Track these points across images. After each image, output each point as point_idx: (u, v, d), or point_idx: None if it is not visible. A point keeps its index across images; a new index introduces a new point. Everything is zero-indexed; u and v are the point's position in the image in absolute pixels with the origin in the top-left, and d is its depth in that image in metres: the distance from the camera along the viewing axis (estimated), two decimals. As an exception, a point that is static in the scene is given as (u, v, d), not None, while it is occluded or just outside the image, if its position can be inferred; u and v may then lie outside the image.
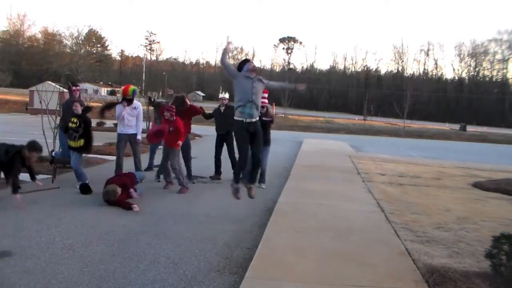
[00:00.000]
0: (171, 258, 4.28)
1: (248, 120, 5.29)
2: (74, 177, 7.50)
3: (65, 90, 11.90)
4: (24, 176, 7.56)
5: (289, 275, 3.78)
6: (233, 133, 6.33)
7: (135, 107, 8.00)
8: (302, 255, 4.27)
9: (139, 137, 8.14)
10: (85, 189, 6.87)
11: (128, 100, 7.93)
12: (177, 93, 9.83)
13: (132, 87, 8.16)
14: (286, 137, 22.87)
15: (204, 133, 18.61)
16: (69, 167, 8.17)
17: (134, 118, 8.00)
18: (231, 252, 4.56)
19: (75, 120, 7.17)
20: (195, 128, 19.79)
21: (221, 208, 6.46)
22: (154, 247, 4.56)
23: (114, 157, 10.58)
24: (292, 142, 19.70)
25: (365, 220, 5.81)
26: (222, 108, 8.84)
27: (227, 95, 8.96)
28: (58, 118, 9.24)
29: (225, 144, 8.87)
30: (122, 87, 8.30)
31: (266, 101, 8.60)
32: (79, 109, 7.25)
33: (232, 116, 8.41)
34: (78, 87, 8.39)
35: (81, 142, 7.18)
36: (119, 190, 6.14)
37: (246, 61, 5.51)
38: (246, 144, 5.39)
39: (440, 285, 3.61)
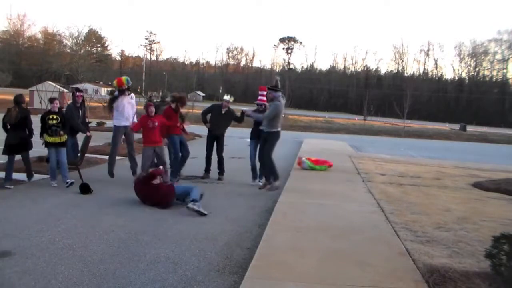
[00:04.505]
0: (171, 258, 4.28)
1: None
2: (75, 177, 7.51)
3: (65, 90, 11.92)
4: (23, 176, 7.60)
5: (289, 275, 3.77)
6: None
7: (131, 97, 8.25)
8: (302, 255, 4.27)
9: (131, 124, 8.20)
10: (85, 189, 6.87)
11: (124, 91, 8.09)
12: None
13: (124, 77, 8.37)
14: (286, 137, 22.77)
15: (204, 133, 18.61)
16: (70, 167, 8.19)
17: (131, 109, 8.19)
18: (231, 252, 4.56)
19: (55, 117, 7.30)
20: (194, 128, 19.81)
21: (221, 208, 6.46)
22: (154, 247, 4.56)
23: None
24: (292, 142, 19.68)
25: (365, 220, 5.80)
26: (224, 110, 8.82)
27: (232, 99, 9.02)
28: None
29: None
30: (115, 81, 8.35)
31: (265, 98, 8.61)
32: (56, 107, 7.40)
33: (230, 119, 8.76)
34: (81, 93, 8.41)
35: (65, 136, 7.37)
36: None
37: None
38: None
39: (440, 285, 3.61)
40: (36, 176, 7.67)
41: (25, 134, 7.25)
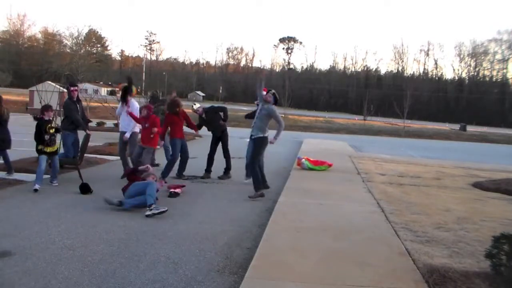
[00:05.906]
0: (171, 258, 4.28)
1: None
2: (75, 177, 7.52)
3: (65, 90, 11.88)
4: (26, 176, 7.59)
5: (289, 275, 3.78)
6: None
7: (128, 106, 8.19)
8: (302, 255, 4.27)
9: (127, 134, 8.26)
10: (85, 189, 6.87)
11: (123, 98, 8.13)
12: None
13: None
14: (286, 137, 22.80)
15: (204, 133, 18.60)
16: (69, 167, 8.21)
17: (127, 118, 8.16)
18: (231, 252, 4.56)
19: (53, 125, 7.22)
20: (195, 128, 19.84)
21: (221, 208, 6.46)
22: (154, 247, 4.56)
23: (113, 157, 10.63)
24: (292, 142, 19.68)
25: (365, 220, 5.80)
26: (204, 115, 9.10)
27: (197, 105, 9.53)
28: (59, 118, 9.24)
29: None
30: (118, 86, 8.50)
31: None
32: (51, 115, 7.31)
33: (216, 116, 8.94)
34: (76, 88, 8.41)
35: (58, 145, 7.39)
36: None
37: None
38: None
39: (440, 285, 3.61)
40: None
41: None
